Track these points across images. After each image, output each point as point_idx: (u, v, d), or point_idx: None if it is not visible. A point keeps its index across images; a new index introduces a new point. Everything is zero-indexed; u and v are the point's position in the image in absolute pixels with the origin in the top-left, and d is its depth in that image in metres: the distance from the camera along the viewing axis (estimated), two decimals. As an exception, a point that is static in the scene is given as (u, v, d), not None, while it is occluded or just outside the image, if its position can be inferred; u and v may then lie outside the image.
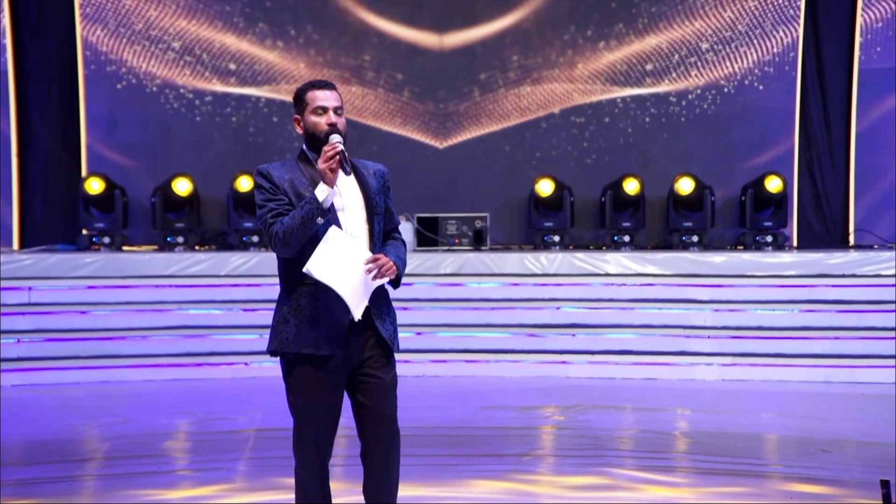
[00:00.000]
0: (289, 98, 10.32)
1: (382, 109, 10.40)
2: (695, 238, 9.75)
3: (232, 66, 10.31)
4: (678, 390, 8.29)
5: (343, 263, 3.64)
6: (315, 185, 3.67)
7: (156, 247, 9.83)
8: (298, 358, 3.72)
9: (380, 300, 3.79)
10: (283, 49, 10.35)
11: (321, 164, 3.63)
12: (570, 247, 9.84)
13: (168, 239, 9.68)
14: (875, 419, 7.12)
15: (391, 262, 3.68)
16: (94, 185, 9.64)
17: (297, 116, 3.84)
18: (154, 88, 10.28)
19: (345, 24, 10.43)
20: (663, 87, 10.43)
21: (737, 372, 8.70)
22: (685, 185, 9.84)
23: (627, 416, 7.53)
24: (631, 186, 9.82)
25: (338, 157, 3.62)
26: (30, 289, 8.71)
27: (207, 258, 9.04)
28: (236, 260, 9.03)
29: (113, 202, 9.74)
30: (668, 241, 9.98)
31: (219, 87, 10.33)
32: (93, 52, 10.18)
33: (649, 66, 10.40)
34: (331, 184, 3.62)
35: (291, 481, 5.47)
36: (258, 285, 8.94)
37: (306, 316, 3.70)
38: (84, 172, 10.14)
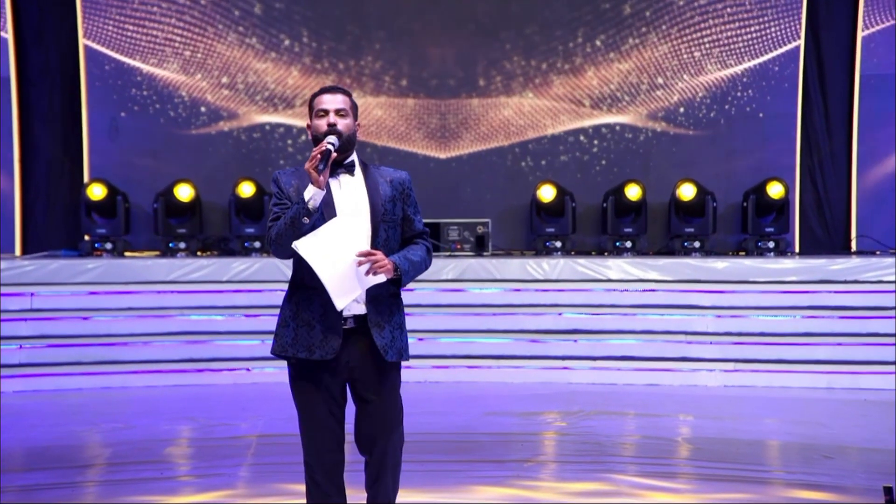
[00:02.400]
0: (285, 110, 10.36)
1: (386, 116, 10.40)
2: (696, 244, 9.75)
3: (227, 77, 10.32)
4: (680, 396, 8.28)
5: (335, 251, 3.62)
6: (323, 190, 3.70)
7: (158, 252, 9.83)
8: (298, 361, 3.77)
9: (381, 305, 3.77)
10: (276, 57, 10.35)
11: (306, 165, 3.66)
12: (572, 252, 9.84)
13: (170, 245, 9.69)
14: (878, 425, 7.11)
15: (386, 260, 3.66)
16: (97, 191, 9.65)
17: (308, 123, 3.89)
18: (156, 94, 10.30)
19: (343, 32, 10.43)
20: (665, 96, 10.43)
21: (739, 378, 8.70)
22: (687, 191, 9.84)
23: (629, 421, 7.52)
24: (632, 192, 9.82)
25: (318, 157, 3.63)
26: (32, 295, 8.71)
27: (209, 264, 9.05)
28: (238, 266, 9.03)
29: (115, 208, 9.75)
30: (669, 246, 9.98)
31: (219, 94, 10.34)
32: (95, 59, 10.20)
33: (652, 77, 10.41)
34: (316, 184, 3.64)
35: (293, 487, 5.47)
36: (260, 291, 8.94)
37: (303, 320, 3.74)
38: (86, 178, 10.15)
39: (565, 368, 8.81)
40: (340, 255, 3.62)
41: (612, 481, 5.64)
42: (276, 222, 3.73)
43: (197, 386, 8.56)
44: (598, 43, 10.42)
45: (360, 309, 3.74)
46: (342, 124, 3.78)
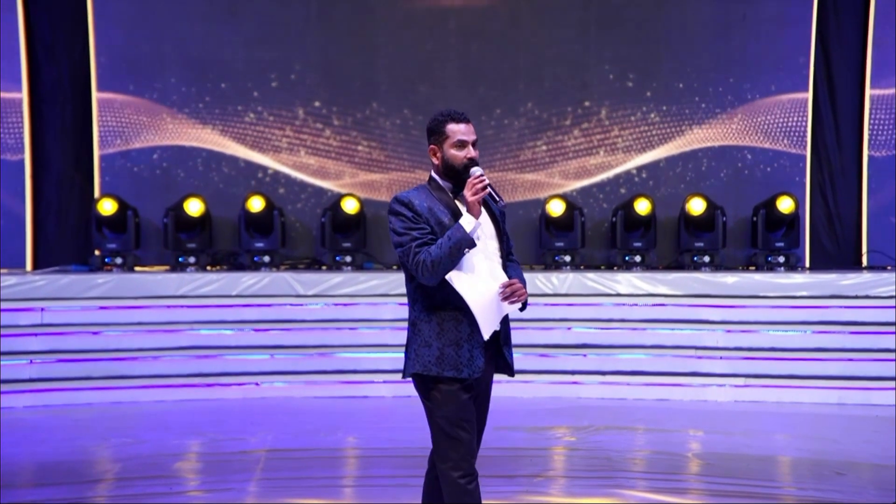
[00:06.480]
0: (289, 125, 10.39)
1: (394, 126, 10.42)
2: (706, 258, 9.73)
3: (231, 86, 10.36)
4: (690, 411, 8.26)
5: (480, 281, 3.80)
6: (452, 212, 3.83)
7: (167, 267, 9.86)
8: (440, 380, 3.86)
9: (507, 326, 3.97)
10: (282, 77, 10.38)
11: (470, 197, 3.77)
12: (582, 267, 9.83)
13: (180, 259, 9.71)
14: (889, 442, 7.07)
15: (524, 289, 3.83)
16: (107, 206, 9.68)
17: (433, 147, 3.93)
18: (166, 109, 10.33)
19: (353, 45, 10.45)
20: (675, 112, 10.43)
21: (749, 393, 8.67)
22: (696, 206, 9.82)
23: (639, 437, 7.50)
24: (642, 207, 9.81)
25: (486, 189, 3.78)
26: (42, 310, 8.74)
27: (219, 278, 9.07)
28: (247, 280, 9.05)
29: (125, 223, 9.78)
30: (679, 261, 9.96)
31: (227, 112, 10.37)
32: (106, 74, 10.25)
33: (667, 90, 10.41)
34: (477, 215, 3.79)
35: (303, 502, 5.47)
36: (269, 305, 8.96)
37: (450, 340, 3.84)
38: (97, 193, 10.19)
39: (575, 383, 8.80)
40: (486, 285, 3.80)
41: (622, 497, 5.63)
42: (424, 248, 3.78)
43: (206, 400, 8.57)
44: (602, 112, 10.39)
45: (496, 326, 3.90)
46: (477, 157, 3.91)
